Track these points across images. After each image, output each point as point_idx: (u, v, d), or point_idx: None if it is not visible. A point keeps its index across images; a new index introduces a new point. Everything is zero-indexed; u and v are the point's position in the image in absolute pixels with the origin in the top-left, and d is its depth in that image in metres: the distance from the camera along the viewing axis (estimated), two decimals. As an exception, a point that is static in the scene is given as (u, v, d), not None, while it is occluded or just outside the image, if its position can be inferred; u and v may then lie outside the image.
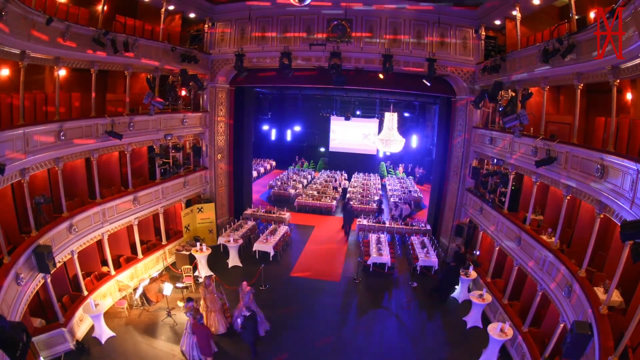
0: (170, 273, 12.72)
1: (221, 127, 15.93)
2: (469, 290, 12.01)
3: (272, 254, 14.30)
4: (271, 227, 16.04)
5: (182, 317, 10.46)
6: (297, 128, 31.21)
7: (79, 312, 9.50)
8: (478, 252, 12.73)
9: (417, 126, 29.07)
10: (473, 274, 12.00)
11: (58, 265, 8.92)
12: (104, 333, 9.46)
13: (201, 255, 12.64)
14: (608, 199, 6.81)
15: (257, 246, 14.35)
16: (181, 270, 12.09)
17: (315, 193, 22.31)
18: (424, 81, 14.19)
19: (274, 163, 31.46)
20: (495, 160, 11.65)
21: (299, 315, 11.07)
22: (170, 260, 13.54)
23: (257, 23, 14.11)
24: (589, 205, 7.97)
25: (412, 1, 12.98)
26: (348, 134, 29.41)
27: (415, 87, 15.32)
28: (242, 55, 13.49)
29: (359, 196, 21.98)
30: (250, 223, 16.49)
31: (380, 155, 29.30)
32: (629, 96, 8.61)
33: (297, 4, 10.20)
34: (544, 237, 9.36)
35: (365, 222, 17.27)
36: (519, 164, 10.50)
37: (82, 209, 10.14)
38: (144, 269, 12.15)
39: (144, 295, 10.98)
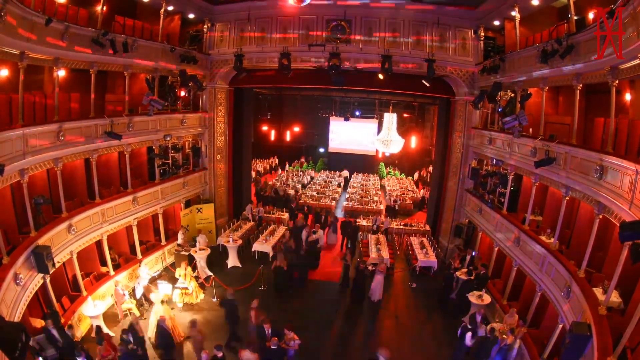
0: (170, 273, 12.72)
1: (220, 128, 15.93)
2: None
3: (271, 254, 14.29)
4: (270, 227, 16.03)
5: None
6: (297, 128, 31.21)
7: (78, 312, 9.48)
8: (475, 253, 12.72)
9: (416, 127, 29.09)
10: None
11: (57, 265, 8.90)
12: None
13: (200, 256, 12.64)
14: (607, 200, 6.82)
15: (257, 246, 14.35)
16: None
17: (314, 193, 22.31)
18: (423, 82, 14.19)
19: (272, 163, 31.45)
20: (494, 161, 11.66)
21: (298, 316, 11.06)
22: (169, 260, 13.53)
23: (256, 23, 14.12)
24: (588, 205, 7.99)
25: (411, 1, 13.03)
26: (347, 134, 29.39)
27: (414, 88, 15.32)
28: (241, 55, 13.48)
29: (358, 197, 21.98)
30: (250, 223, 16.49)
31: (380, 155, 29.29)
32: (627, 97, 8.63)
33: (296, 4, 10.21)
34: (543, 238, 9.37)
35: (364, 222, 17.27)
36: (518, 164, 10.51)
37: (81, 210, 10.13)
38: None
39: (143, 295, 10.98)
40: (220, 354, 7.81)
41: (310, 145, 31.95)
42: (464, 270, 11.84)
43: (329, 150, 30.61)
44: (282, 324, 8.79)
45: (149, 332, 9.50)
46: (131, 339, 8.09)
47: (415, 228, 16.71)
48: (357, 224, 16.05)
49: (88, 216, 10.27)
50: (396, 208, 21.08)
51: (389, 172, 29.91)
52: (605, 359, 5.71)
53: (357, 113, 29.42)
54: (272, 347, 7.87)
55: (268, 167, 30.36)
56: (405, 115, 29.04)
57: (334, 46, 13.05)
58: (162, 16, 12.56)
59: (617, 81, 7.18)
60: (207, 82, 15.05)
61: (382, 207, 20.95)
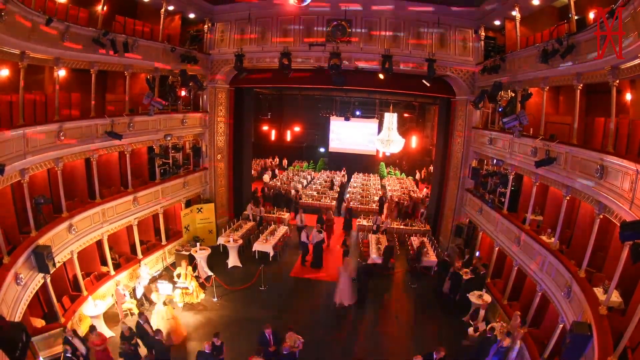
0: (170, 273, 12.72)
1: (221, 128, 15.93)
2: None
3: (271, 254, 14.30)
4: (271, 227, 16.03)
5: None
6: (297, 128, 31.20)
7: (79, 312, 9.49)
8: (478, 253, 12.74)
9: (416, 126, 29.07)
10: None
11: (58, 265, 8.90)
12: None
13: (201, 256, 12.64)
14: (607, 200, 6.82)
15: (257, 246, 14.34)
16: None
17: (315, 193, 22.31)
18: (424, 81, 14.20)
19: (272, 163, 31.44)
20: (494, 161, 11.65)
21: (298, 316, 11.06)
22: (169, 260, 13.54)
23: (256, 23, 14.12)
24: (588, 205, 7.98)
25: (411, 1, 13.02)
26: (348, 134, 29.37)
27: (414, 88, 15.32)
28: (241, 55, 13.49)
29: (359, 197, 21.97)
30: (250, 223, 16.49)
31: (380, 155, 29.26)
32: (628, 96, 8.61)
33: (297, 4, 10.21)
34: (544, 238, 9.36)
35: (364, 222, 17.27)
36: (519, 164, 10.49)
37: (81, 209, 10.13)
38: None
39: (144, 295, 10.99)
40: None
41: (311, 145, 31.93)
42: (465, 270, 11.90)
43: (330, 150, 30.60)
44: (285, 324, 8.82)
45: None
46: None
47: (415, 228, 16.71)
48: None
49: (88, 216, 10.27)
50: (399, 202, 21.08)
51: (390, 171, 29.89)
52: (605, 359, 5.71)
53: (358, 113, 29.43)
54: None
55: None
56: (405, 115, 29.03)
57: (335, 46, 13.06)
58: (162, 16, 12.56)
59: (617, 81, 7.16)
60: (208, 82, 15.07)
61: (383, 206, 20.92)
